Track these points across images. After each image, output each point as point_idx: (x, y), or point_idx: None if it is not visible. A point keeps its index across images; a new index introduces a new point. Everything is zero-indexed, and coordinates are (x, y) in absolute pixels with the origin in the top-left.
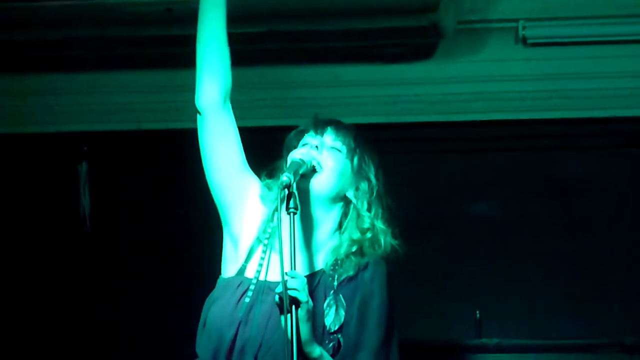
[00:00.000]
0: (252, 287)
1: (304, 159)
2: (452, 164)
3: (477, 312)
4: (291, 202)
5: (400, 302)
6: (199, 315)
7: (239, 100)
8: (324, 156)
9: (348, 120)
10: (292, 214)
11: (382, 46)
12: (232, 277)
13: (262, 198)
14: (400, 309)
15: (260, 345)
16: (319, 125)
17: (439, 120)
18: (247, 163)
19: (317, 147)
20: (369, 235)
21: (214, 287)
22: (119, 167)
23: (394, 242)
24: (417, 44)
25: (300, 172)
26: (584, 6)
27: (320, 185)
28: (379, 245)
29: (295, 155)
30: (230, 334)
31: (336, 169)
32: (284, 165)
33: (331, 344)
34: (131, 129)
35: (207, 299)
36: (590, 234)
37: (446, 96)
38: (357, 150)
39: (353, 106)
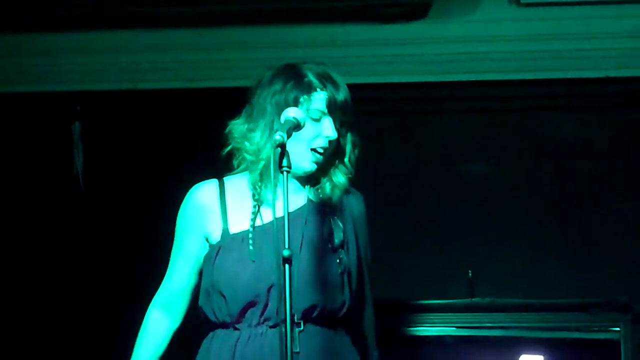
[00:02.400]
0: (250, 235)
1: (298, 118)
2: (446, 124)
3: (470, 271)
4: (284, 160)
5: (394, 262)
6: None
7: (236, 59)
8: (342, 135)
9: (344, 80)
10: (285, 172)
11: (377, 6)
12: (230, 235)
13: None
14: (394, 268)
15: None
16: (331, 89)
17: (433, 80)
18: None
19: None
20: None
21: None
22: (113, 127)
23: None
24: (412, 3)
25: (293, 131)
26: None
27: (325, 167)
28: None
29: (289, 113)
30: (260, 284)
31: (343, 150)
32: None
33: (337, 260)
34: (126, 89)
35: (205, 263)
36: (584, 195)
37: (440, 56)
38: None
39: (348, 66)
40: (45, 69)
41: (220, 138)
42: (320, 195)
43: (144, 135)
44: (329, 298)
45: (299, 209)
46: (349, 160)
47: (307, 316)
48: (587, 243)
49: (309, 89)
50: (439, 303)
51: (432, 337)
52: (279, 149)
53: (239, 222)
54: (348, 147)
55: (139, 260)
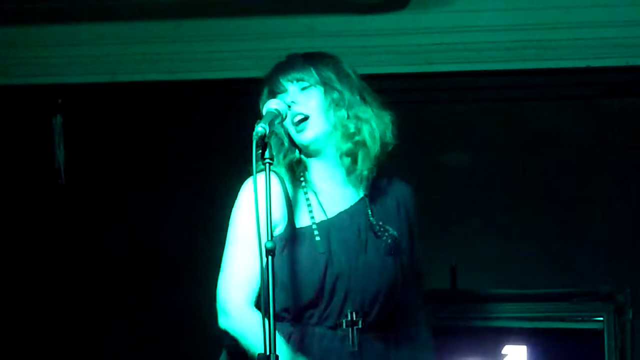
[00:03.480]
0: (314, 227)
1: (279, 109)
2: (427, 115)
3: (452, 261)
4: (267, 152)
5: None
6: (177, 265)
7: (214, 50)
8: (302, 101)
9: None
10: (267, 164)
11: None
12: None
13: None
14: None
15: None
16: (279, 79)
17: (412, 71)
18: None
19: (292, 102)
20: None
21: (190, 237)
22: (94, 120)
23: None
24: None
25: (276, 122)
26: None
27: (315, 129)
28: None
29: (270, 105)
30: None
31: (319, 106)
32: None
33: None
34: (106, 81)
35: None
36: (564, 184)
37: (420, 47)
38: (325, 76)
39: None
40: (25, 62)
41: (199, 130)
42: (350, 172)
43: (126, 127)
44: (388, 296)
45: (354, 205)
46: (344, 128)
47: (367, 315)
48: (569, 233)
49: (273, 77)
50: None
51: None
52: (260, 141)
53: (300, 216)
54: (337, 114)
55: (120, 254)
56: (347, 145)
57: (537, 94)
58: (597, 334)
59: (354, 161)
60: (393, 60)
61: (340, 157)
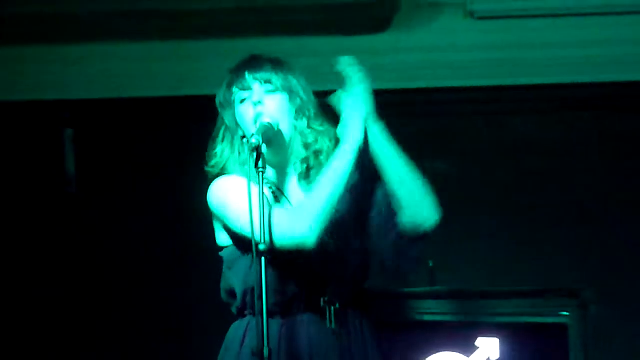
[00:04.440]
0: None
1: (272, 123)
2: (409, 127)
3: (430, 261)
4: (260, 162)
5: None
6: (183, 269)
7: (204, 69)
8: (269, 106)
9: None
10: (261, 173)
11: (342, 19)
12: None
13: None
14: None
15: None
16: (246, 76)
17: (394, 87)
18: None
19: (259, 102)
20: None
21: (199, 243)
22: (103, 134)
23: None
24: (375, 17)
25: (270, 135)
26: None
27: (285, 132)
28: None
29: (264, 119)
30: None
31: (284, 111)
32: (238, 126)
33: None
34: (115, 97)
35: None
36: (539, 189)
37: (401, 65)
38: (292, 83)
39: (315, 75)
40: (37, 79)
41: (202, 142)
42: (302, 178)
43: (134, 142)
44: (362, 276)
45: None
46: (304, 137)
47: (343, 295)
48: (542, 235)
49: (240, 72)
50: (400, 291)
51: (393, 323)
52: (255, 152)
53: None
54: (299, 122)
55: (130, 263)
56: (304, 154)
57: (511, 108)
58: (564, 328)
59: (308, 169)
60: (376, 77)
61: (295, 164)
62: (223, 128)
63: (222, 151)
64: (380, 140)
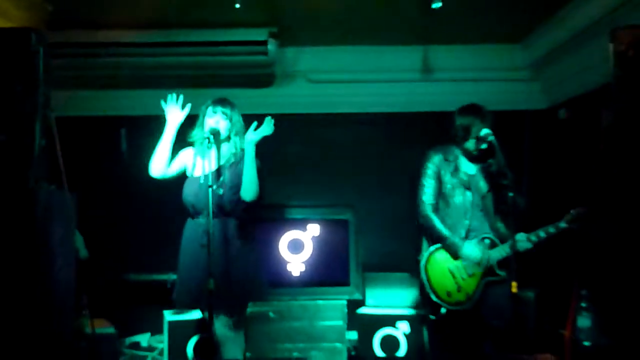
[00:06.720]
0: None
1: (217, 129)
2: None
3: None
4: (208, 143)
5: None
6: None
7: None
8: (220, 123)
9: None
10: (208, 147)
11: (235, 77)
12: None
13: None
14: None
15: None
16: (216, 104)
17: (276, 112)
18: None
19: (217, 120)
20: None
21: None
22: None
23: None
24: (261, 80)
25: (215, 134)
26: (341, 61)
27: (224, 137)
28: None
29: (214, 127)
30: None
31: (228, 129)
32: (202, 127)
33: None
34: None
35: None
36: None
37: (280, 102)
38: (235, 114)
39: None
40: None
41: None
42: (230, 161)
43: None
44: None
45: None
46: (235, 144)
47: (223, 209)
48: (338, 162)
49: (213, 104)
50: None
51: (264, 219)
52: (211, 136)
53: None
54: (235, 136)
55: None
56: (233, 151)
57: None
58: (346, 222)
59: (236, 160)
60: (265, 108)
61: (229, 156)
62: (199, 124)
63: (196, 133)
64: (251, 153)
